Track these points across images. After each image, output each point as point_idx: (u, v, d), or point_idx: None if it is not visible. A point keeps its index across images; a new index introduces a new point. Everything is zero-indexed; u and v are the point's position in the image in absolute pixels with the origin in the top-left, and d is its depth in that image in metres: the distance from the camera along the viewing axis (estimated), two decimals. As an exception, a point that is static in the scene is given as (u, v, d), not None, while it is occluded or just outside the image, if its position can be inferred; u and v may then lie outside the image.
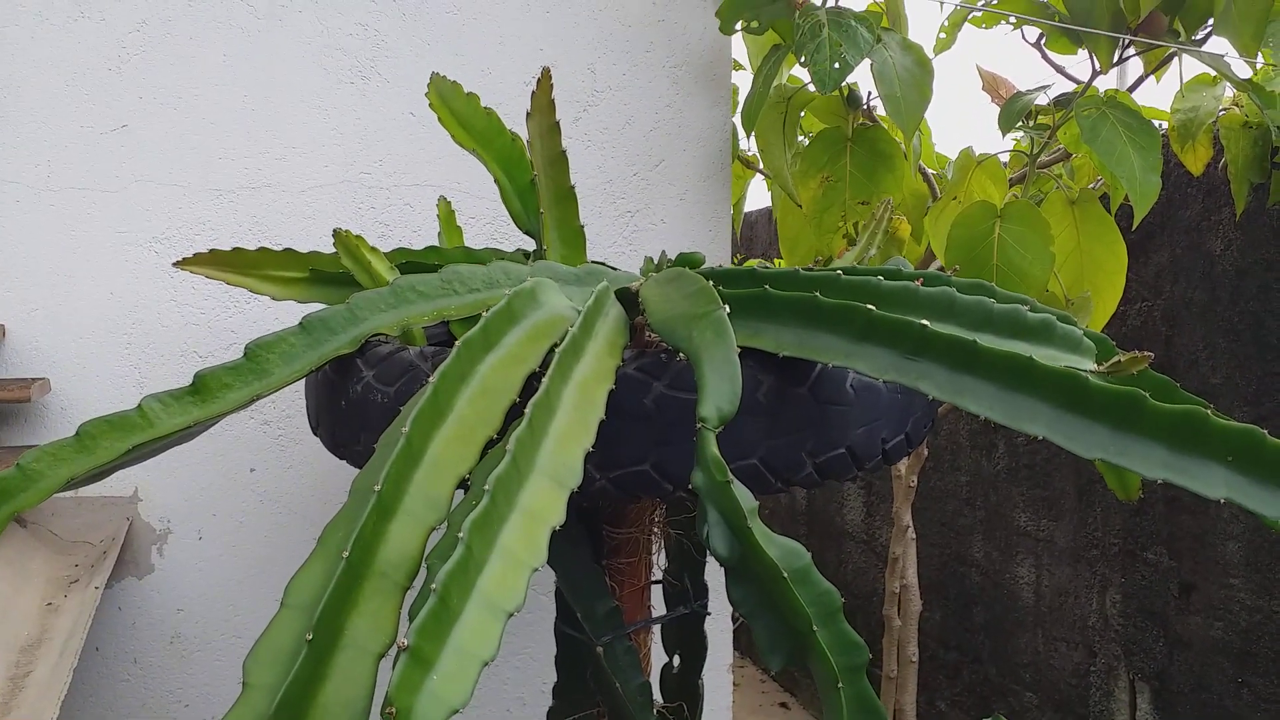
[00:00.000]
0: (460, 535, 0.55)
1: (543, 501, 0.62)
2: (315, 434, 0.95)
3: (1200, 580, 2.15)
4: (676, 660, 1.09)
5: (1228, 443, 0.64)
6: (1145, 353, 0.74)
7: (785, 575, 0.64)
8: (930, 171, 1.61)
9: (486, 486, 0.58)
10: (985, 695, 2.81)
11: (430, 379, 0.65)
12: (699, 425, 0.68)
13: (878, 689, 2.61)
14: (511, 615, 0.56)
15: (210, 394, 0.80)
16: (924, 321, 0.72)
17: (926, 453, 1.69)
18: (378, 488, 0.59)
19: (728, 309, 0.72)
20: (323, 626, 0.53)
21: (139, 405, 0.78)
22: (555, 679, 1.08)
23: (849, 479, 0.86)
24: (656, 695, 1.07)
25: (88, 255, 1.35)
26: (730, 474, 0.66)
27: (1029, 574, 2.67)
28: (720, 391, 0.69)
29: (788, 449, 0.80)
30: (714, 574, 1.22)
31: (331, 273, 1.07)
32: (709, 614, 1.08)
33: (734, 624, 1.89)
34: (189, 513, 1.38)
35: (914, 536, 1.74)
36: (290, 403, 1.42)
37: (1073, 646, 2.52)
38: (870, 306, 0.74)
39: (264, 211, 1.40)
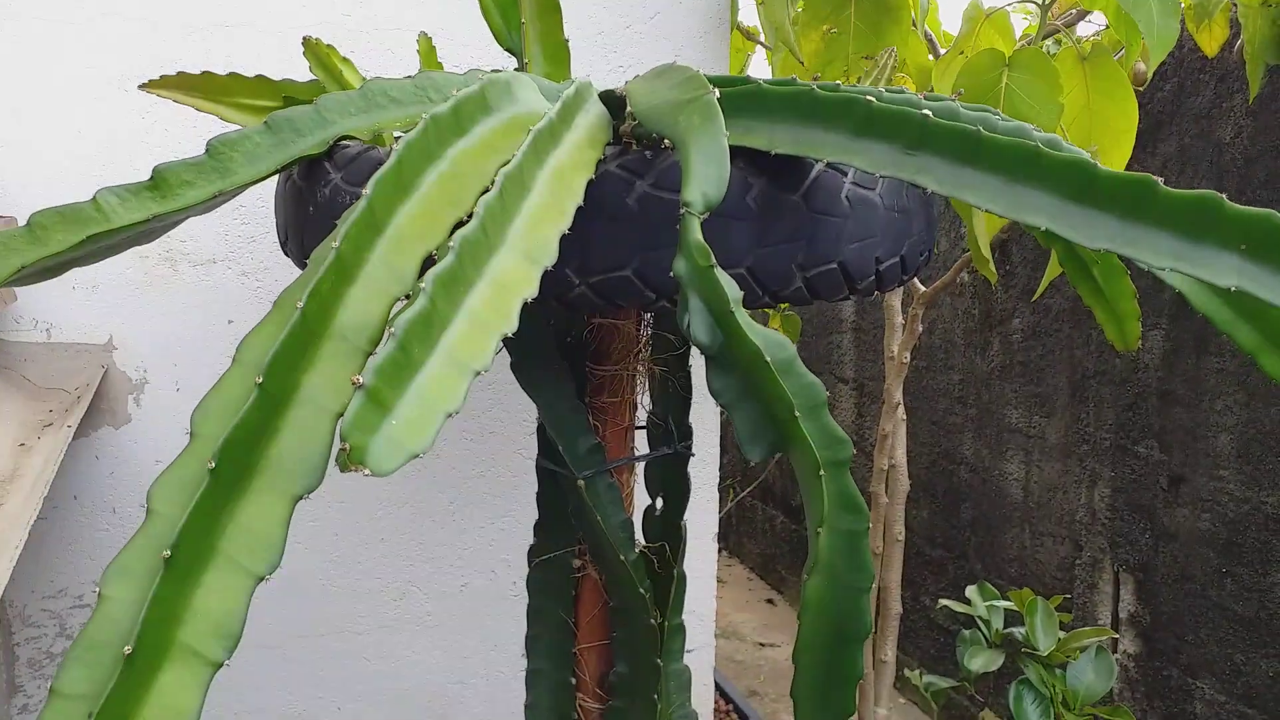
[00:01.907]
0: (423, 286, 0.51)
1: (513, 274, 0.58)
2: (286, 252, 0.91)
3: (1190, 473, 2.15)
4: (659, 503, 1.08)
5: (1242, 229, 0.60)
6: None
7: (769, 362, 0.61)
8: (932, 34, 1.55)
9: (452, 244, 0.54)
10: (969, 601, 2.84)
11: (394, 148, 0.61)
12: (683, 210, 0.64)
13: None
14: (478, 375, 0.52)
15: (170, 190, 0.76)
16: (926, 111, 0.68)
17: (921, 329, 1.66)
18: (335, 244, 0.55)
19: (718, 92, 0.68)
20: (274, 376, 0.50)
21: (93, 197, 0.74)
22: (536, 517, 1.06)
23: (840, 299, 0.83)
24: (639, 537, 1.06)
25: (54, 91, 1.29)
26: (714, 260, 0.62)
27: (1018, 470, 2.67)
28: (707, 176, 0.64)
29: (777, 259, 0.76)
30: (698, 418, 1.19)
31: (306, 101, 1.02)
32: (693, 454, 1.06)
33: (720, 516, 1.88)
34: (165, 364, 1.35)
35: (904, 417, 1.72)
36: (269, 255, 1.38)
37: (1059, 541, 2.53)
38: (871, 98, 0.69)
39: (238, 51, 1.34)
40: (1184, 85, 2.18)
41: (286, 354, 0.51)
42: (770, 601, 3.89)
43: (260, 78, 1.08)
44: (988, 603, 1.31)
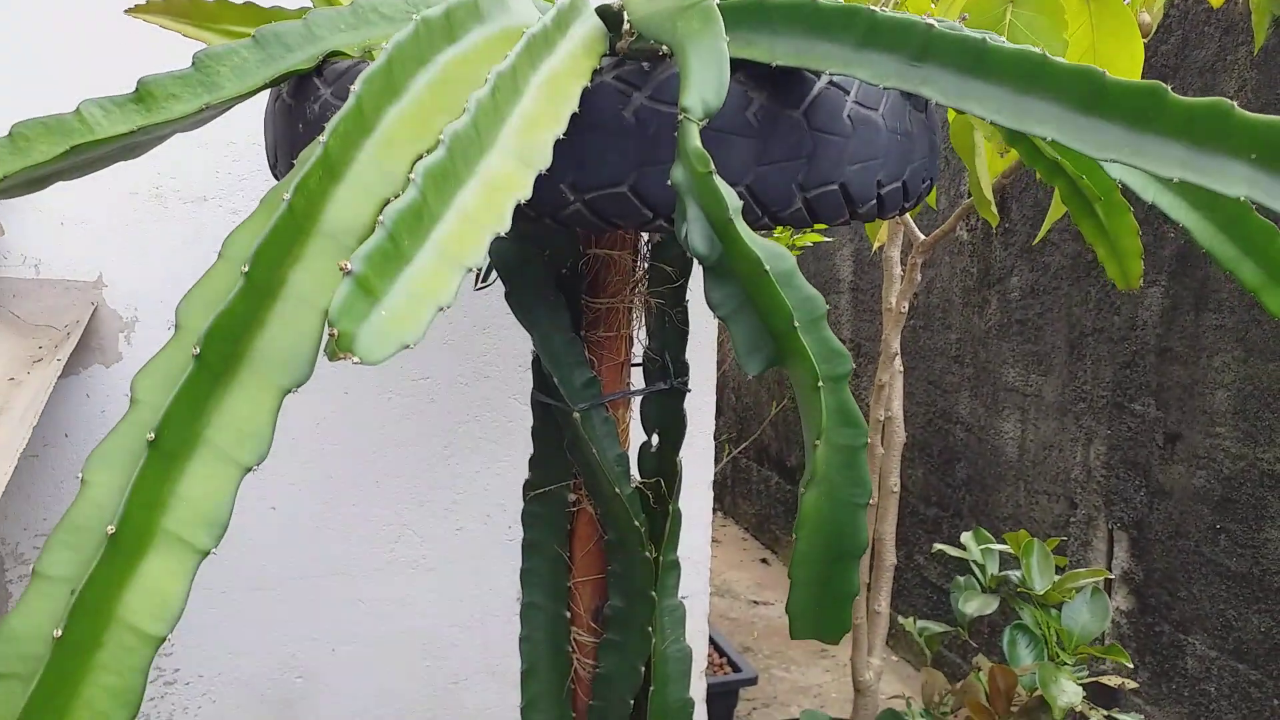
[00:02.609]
0: (413, 178, 0.50)
1: (506, 174, 0.56)
2: (276, 176, 0.89)
3: (1186, 430, 2.15)
4: (655, 439, 1.07)
5: (1252, 137, 0.59)
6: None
7: (769, 272, 0.60)
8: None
9: (442, 138, 0.52)
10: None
11: (384, 48, 0.59)
12: (681, 116, 0.62)
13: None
14: (470, 271, 0.51)
15: (155, 102, 0.74)
16: (930, 21, 0.66)
17: (919, 278, 1.65)
18: (323, 140, 0.53)
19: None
20: (260, 267, 0.49)
21: (76, 109, 0.72)
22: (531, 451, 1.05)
23: (840, 222, 0.81)
24: (635, 473, 1.05)
25: (34, 17, 1.26)
26: (713, 167, 0.61)
27: (1014, 429, 2.67)
28: (705, 81, 0.63)
29: (778, 178, 0.75)
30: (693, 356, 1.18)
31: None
32: (689, 390, 1.05)
33: (712, 481, 1.88)
34: (157, 302, 1.34)
35: (901, 368, 1.71)
36: (260, 192, 1.36)
37: (1054, 499, 2.54)
38: (874, 8, 0.68)
39: (229, -17, 1.31)
40: (1188, 38, 2.15)
41: (273, 245, 0.49)
42: (764, 561, 3.91)
43: (249, 4, 1.05)
44: (982, 546, 1.31)
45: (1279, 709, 1.94)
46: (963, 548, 1.34)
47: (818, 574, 0.64)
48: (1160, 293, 2.20)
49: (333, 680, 1.49)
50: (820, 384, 0.61)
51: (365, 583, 1.48)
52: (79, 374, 1.32)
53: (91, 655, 0.41)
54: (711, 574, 3.74)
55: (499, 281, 1.00)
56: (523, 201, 0.56)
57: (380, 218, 0.47)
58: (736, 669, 2.43)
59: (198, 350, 0.45)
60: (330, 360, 0.45)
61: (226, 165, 1.35)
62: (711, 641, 2.56)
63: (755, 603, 3.51)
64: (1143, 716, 1.38)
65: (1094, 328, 2.39)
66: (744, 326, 0.62)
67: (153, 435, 0.42)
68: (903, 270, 1.74)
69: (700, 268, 0.65)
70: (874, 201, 0.81)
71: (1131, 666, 1.82)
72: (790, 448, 3.89)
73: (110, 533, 0.40)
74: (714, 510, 4.64)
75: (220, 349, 0.47)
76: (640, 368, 1.08)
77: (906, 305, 1.64)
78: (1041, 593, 1.14)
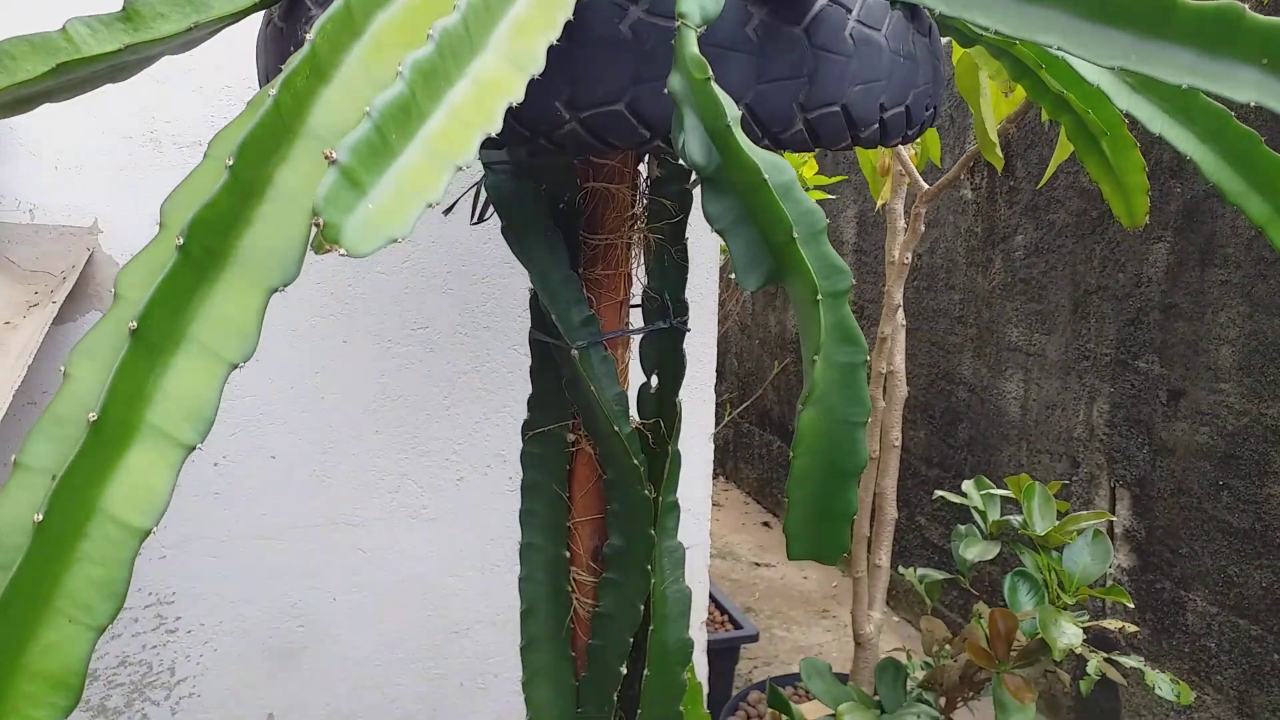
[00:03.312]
0: (400, 71, 0.48)
1: (497, 75, 0.55)
2: (268, 105, 0.88)
3: (1190, 386, 2.13)
4: (654, 380, 1.06)
5: (1263, 42, 0.58)
6: None
7: (768, 181, 0.59)
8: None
9: (431, 34, 0.51)
10: (964, 509, 2.85)
11: (375, -49, 0.58)
12: (678, 23, 0.61)
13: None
14: (460, 169, 0.50)
15: (142, 21, 0.72)
16: (934, -72, 0.65)
17: (923, 229, 1.63)
18: (310, 38, 0.52)
19: (715, -95, 0.64)
20: (245, 161, 0.47)
21: (63, 27, 0.71)
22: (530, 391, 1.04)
23: (842, 147, 0.80)
24: (634, 414, 1.04)
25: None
26: (710, 74, 0.59)
27: (1017, 389, 2.66)
28: (703, -13, 0.61)
29: (778, 96, 0.73)
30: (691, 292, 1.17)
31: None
32: (688, 330, 1.04)
33: (712, 443, 1.87)
34: (153, 248, 1.32)
35: (903, 322, 1.69)
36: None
37: (1056, 458, 2.53)
38: (875, -84, 0.66)
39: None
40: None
41: (258, 141, 0.48)
42: (766, 525, 3.91)
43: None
44: (983, 492, 1.30)
45: (1278, 664, 1.94)
46: (964, 495, 1.33)
47: (815, 492, 0.63)
48: (1166, 249, 2.18)
49: (334, 629, 1.49)
50: (819, 299, 0.59)
51: (366, 532, 1.48)
52: (76, 321, 1.31)
53: (75, 545, 0.40)
54: (714, 537, 3.75)
55: (496, 219, 0.99)
56: (515, 104, 0.55)
57: (367, 108, 0.46)
58: (738, 626, 2.44)
59: (181, 241, 0.44)
60: (317, 253, 0.44)
61: (222, 109, 1.33)
62: (713, 599, 2.57)
63: (757, 564, 3.52)
64: (1143, 659, 1.37)
65: (1098, 285, 2.37)
66: (743, 240, 0.61)
67: (134, 325, 0.42)
68: (906, 222, 1.72)
69: (700, 199, 0.64)
70: (876, 125, 0.79)
71: (1131, 605, 1.81)
72: (792, 412, 3.88)
73: (92, 420, 0.39)
74: (716, 475, 4.65)
75: (205, 242, 0.46)
76: (639, 309, 1.07)
77: (910, 257, 1.63)
78: (1043, 534, 1.14)
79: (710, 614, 2.53)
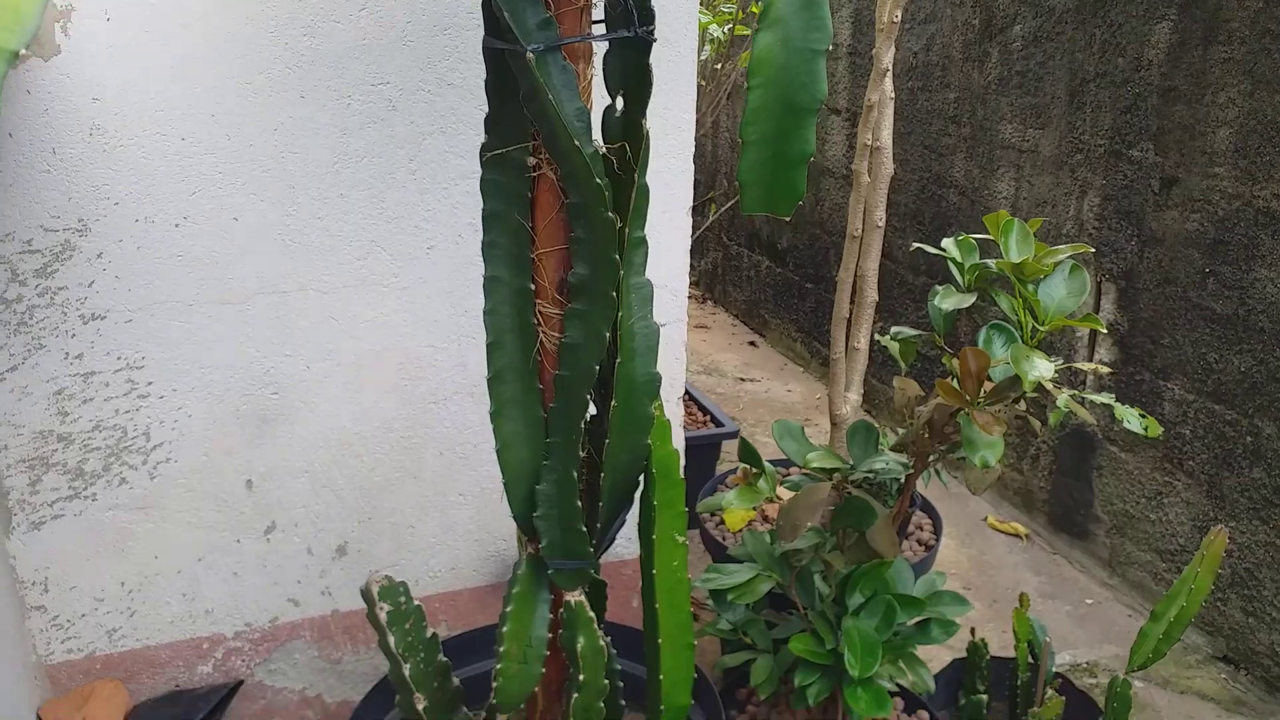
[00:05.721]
0: None
1: None
2: None
3: (1183, 173, 2.08)
4: (619, 102, 1.01)
5: None
6: None
7: None
8: None
9: None
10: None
11: None
12: None
13: (839, 252, 2.60)
14: None
15: None
16: None
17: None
18: None
19: None
20: None
21: None
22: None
23: None
24: (597, 137, 1.00)
25: None
26: None
27: (1008, 188, 2.60)
28: None
29: None
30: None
31: None
32: (654, 40, 0.97)
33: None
34: (90, -13, 1.24)
35: (892, 93, 1.62)
36: None
37: (1043, 257, 2.50)
38: None
39: None
40: None
41: None
42: (752, 344, 3.93)
43: None
44: (960, 238, 1.27)
45: (1250, 445, 1.97)
46: (943, 251, 1.30)
47: (771, 130, 0.60)
48: (1169, 28, 2.08)
49: (309, 397, 1.49)
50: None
51: (335, 299, 1.46)
52: (15, 68, 1.23)
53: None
54: (700, 356, 3.77)
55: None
56: None
57: None
58: (719, 425, 2.47)
59: None
60: None
61: None
62: (695, 399, 2.59)
63: (742, 379, 3.55)
64: (1113, 396, 1.38)
65: (1097, 72, 2.28)
66: None
67: None
68: (896, -18, 1.62)
69: None
70: None
71: (1105, 330, 1.81)
72: (781, 230, 3.83)
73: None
74: (705, 299, 4.64)
75: None
76: (603, 24, 1.00)
77: (899, 15, 1.55)
78: (1019, 262, 1.11)
79: (691, 413, 2.56)
